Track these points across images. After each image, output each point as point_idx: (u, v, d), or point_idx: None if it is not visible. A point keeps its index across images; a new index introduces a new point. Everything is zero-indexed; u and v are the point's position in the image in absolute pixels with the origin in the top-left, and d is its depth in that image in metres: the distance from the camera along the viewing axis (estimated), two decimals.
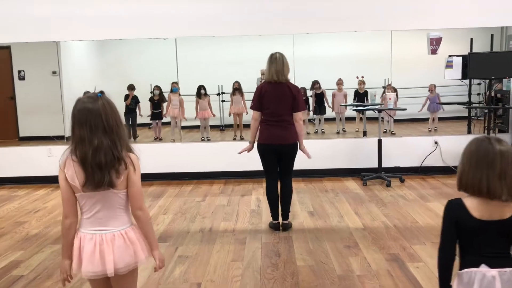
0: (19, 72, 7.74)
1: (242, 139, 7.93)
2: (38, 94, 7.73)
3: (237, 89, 8.03)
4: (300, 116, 4.31)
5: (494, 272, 1.75)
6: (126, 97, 8.12)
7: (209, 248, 4.03)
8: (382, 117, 7.80)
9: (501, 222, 1.75)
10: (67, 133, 7.24)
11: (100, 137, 1.91)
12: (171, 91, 7.76)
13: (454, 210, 1.80)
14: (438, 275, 1.86)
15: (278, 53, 4.29)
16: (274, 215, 4.45)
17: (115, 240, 2.01)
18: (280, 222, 4.42)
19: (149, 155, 6.72)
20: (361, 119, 8.05)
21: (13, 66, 7.72)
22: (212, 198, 5.71)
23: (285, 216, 4.43)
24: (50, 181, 6.41)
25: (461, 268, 1.83)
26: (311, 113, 8.45)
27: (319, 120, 8.58)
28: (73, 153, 1.95)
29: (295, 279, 3.36)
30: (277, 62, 4.25)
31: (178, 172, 6.66)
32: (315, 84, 8.26)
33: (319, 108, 8.46)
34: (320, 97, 8.45)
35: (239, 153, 4.45)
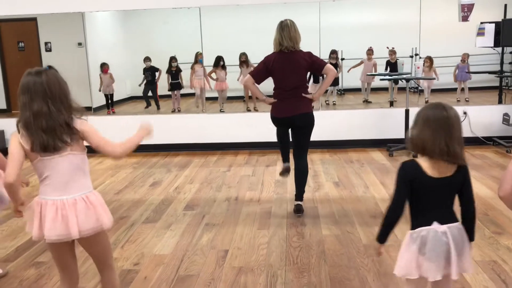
0: (46, 43, 7.81)
1: (256, 110, 7.90)
2: (64, 65, 7.66)
3: (244, 61, 7.88)
4: (328, 69, 3.96)
5: (445, 227, 1.91)
6: (145, 70, 8.14)
7: (235, 216, 4.09)
8: (417, 88, 7.66)
9: (448, 179, 1.90)
10: (95, 104, 7.35)
11: (40, 103, 2.00)
12: (197, 62, 7.72)
13: (410, 170, 1.92)
14: (381, 228, 2.03)
15: (288, 20, 3.99)
16: (285, 158, 4.22)
17: (76, 204, 2.06)
18: (294, 203, 4.14)
19: (174, 126, 6.79)
20: (394, 89, 7.87)
21: (40, 38, 7.80)
22: (237, 168, 5.75)
23: (300, 196, 4.14)
24: None
25: (413, 227, 1.96)
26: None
27: (331, 91, 8.44)
28: (19, 120, 2.05)
29: (321, 248, 3.38)
30: (289, 28, 3.92)
31: (203, 143, 6.71)
32: (332, 54, 8.04)
33: None
34: (334, 68, 8.26)
35: (270, 103, 4.08)
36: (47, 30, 7.74)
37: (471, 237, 1.99)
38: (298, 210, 4.08)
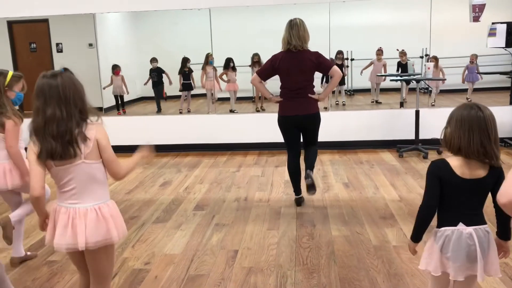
0: (57, 44, 7.89)
1: (263, 110, 7.91)
2: (75, 66, 7.72)
3: (257, 62, 7.89)
4: (334, 71, 3.99)
5: (470, 229, 1.90)
6: (151, 70, 8.18)
7: (245, 216, 4.10)
8: (427, 88, 7.61)
9: (479, 180, 1.88)
10: (105, 104, 7.41)
11: (54, 108, 1.94)
12: (207, 63, 7.75)
13: (439, 168, 1.92)
14: (415, 227, 2.02)
15: (298, 19, 3.98)
16: (296, 190, 4.31)
17: (87, 215, 2.02)
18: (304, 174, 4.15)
19: (184, 126, 6.82)
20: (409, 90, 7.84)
21: (51, 39, 7.87)
22: (247, 168, 5.76)
23: (310, 167, 4.12)
24: None
25: (438, 226, 1.97)
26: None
27: (339, 91, 8.42)
28: (30, 125, 2.00)
29: (331, 248, 3.38)
30: (298, 27, 3.91)
31: (213, 143, 6.73)
32: (338, 54, 8.02)
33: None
34: (340, 68, 8.24)
35: (277, 102, 4.13)
36: (58, 31, 7.81)
37: (506, 237, 1.97)
38: (307, 176, 4.06)
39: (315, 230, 3.74)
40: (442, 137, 1.95)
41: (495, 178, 1.89)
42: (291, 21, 3.98)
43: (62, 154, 1.95)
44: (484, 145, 1.84)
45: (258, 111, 8.00)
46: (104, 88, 7.70)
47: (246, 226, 3.88)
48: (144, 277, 3.06)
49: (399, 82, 7.44)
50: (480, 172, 1.88)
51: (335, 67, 4.04)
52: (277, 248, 3.44)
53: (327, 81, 7.20)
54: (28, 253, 3.37)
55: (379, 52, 8.12)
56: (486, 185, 1.90)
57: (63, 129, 1.94)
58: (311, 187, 4.08)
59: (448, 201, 1.93)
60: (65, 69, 2.05)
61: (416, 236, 2.03)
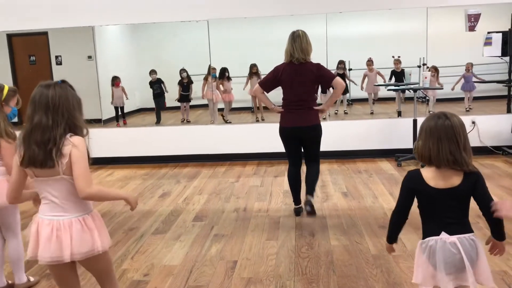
0: (56, 57, 7.93)
1: (263, 120, 7.96)
2: (75, 79, 7.70)
3: (255, 73, 7.94)
4: (337, 82, 3.96)
5: (454, 238, 1.90)
6: (151, 83, 8.21)
7: (244, 227, 4.10)
8: (424, 98, 7.64)
9: (454, 189, 1.90)
10: (104, 116, 7.43)
11: (41, 115, 1.94)
12: (209, 74, 7.78)
13: (412, 180, 1.97)
14: (388, 230, 2.12)
15: (300, 31, 3.98)
16: (296, 200, 4.30)
17: (72, 226, 1.99)
18: (304, 198, 4.18)
19: (183, 137, 6.84)
20: (403, 98, 7.89)
21: (51, 52, 7.92)
22: (246, 179, 5.77)
23: (310, 191, 4.12)
24: None
25: (424, 237, 1.99)
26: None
27: (341, 101, 8.46)
28: (20, 132, 2.02)
29: (330, 258, 3.39)
30: (301, 39, 3.91)
31: (212, 154, 6.75)
32: (340, 64, 8.07)
33: None
34: (341, 78, 8.30)
35: (279, 112, 4.12)
36: (57, 44, 7.85)
37: (501, 237, 1.98)
38: (307, 202, 4.08)
39: (314, 240, 3.74)
40: (414, 149, 1.99)
41: (472, 184, 1.91)
42: (293, 33, 3.97)
43: (42, 162, 1.93)
44: (453, 153, 1.86)
45: (257, 121, 8.04)
46: (111, 104, 7.76)
47: (245, 236, 3.88)
48: None
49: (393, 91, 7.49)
50: (454, 181, 1.90)
51: (338, 79, 4.02)
52: (276, 258, 3.44)
53: (323, 92, 7.24)
54: (31, 279, 3.18)
55: (369, 62, 8.17)
56: (463, 193, 1.91)
57: (47, 137, 1.93)
58: (311, 213, 4.14)
59: (427, 212, 1.96)
60: (63, 81, 2.05)
61: (390, 237, 2.13)
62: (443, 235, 1.91)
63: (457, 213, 1.93)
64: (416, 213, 4.41)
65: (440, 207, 1.93)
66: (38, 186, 2.03)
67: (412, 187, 1.96)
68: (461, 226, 1.93)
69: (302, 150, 4.25)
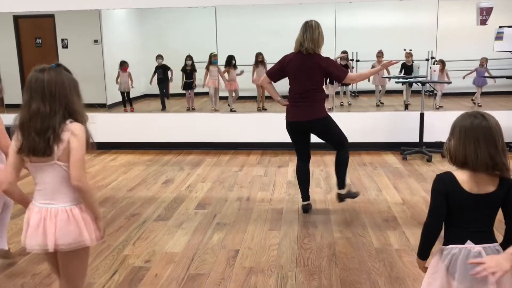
0: (63, 40, 7.90)
1: (264, 109, 7.89)
2: (80, 62, 7.85)
3: (261, 61, 7.87)
4: (351, 79, 4.02)
5: (479, 248, 1.76)
6: (157, 68, 8.17)
7: (247, 216, 4.08)
8: (432, 91, 7.57)
9: (488, 195, 1.75)
10: (109, 100, 7.40)
11: (38, 102, 1.90)
12: (211, 63, 7.73)
13: (445, 183, 1.79)
14: (420, 244, 1.90)
15: (314, 21, 3.85)
16: (304, 196, 4.20)
17: (58, 215, 1.96)
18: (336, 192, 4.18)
19: (188, 124, 6.81)
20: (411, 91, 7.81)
21: (57, 35, 7.88)
22: (249, 168, 5.74)
23: (340, 184, 4.09)
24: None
25: (445, 243, 1.83)
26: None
27: (344, 92, 8.39)
28: (17, 118, 1.97)
29: (332, 250, 3.36)
30: (312, 29, 3.80)
31: (216, 142, 6.72)
32: (343, 54, 7.97)
33: None
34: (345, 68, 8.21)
35: (284, 105, 4.05)
36: (64, 27, 7.82)
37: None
38: (340, 199, 4.14)
39: (316, 232, 3.72)
40: (445, 150, 1.83)
41: (505, 191, 1.76)
42: (306, 22, 3.88)
43: (44, 151, 1.90)
44: (493, 157, 1.71)
45: (259, 110, 7.99)
46: (117, 83, 7.70)
47: (248, 226, 3.87)
48: (144, 275, 3.05)
49: (401, 84, 7.41)
50: (490, 187, 1.75)
51: (350, 75, 3.99)
52: (278, 248, 3.42)
53: (331, 82, 7.19)
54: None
55: (380, 54, 8.06)
56: (496, 200, 1.77)
57: (46, 125, 1.90)
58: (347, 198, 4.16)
59: (456, 218, 1.81)
60: (58, 65, 1.99)
61: (423, 254, 1.91)
62: (469, 243, 1.77)
63: (486, 221, 1.80)
64: (419, 207, 4.37)
65: (470, 213, 1.78)
66: (32, 171, 2.00)
67: (446, 190, 1.77)
68: (487, 235, 1.80)
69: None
